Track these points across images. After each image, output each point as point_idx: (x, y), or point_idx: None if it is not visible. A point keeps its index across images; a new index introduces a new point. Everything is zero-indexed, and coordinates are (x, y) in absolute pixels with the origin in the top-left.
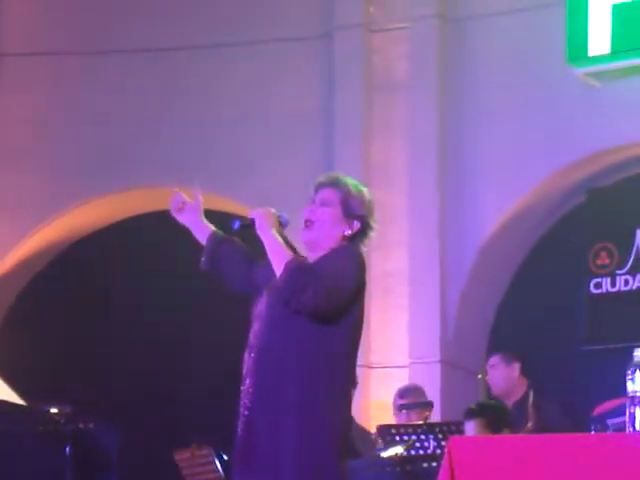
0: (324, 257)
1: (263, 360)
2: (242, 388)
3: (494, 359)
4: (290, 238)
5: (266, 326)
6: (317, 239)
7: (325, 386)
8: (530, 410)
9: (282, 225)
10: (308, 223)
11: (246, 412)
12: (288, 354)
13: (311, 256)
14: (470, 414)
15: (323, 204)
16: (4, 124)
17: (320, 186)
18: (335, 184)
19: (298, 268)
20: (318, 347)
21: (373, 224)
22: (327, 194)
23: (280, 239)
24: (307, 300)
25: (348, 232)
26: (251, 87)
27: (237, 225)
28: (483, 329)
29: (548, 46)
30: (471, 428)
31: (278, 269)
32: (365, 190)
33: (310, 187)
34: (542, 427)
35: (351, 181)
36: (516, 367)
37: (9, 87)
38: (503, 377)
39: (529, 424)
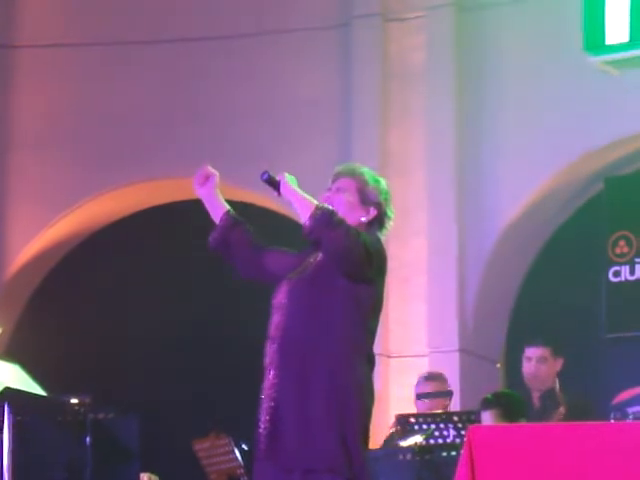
0: None
1: (287, 350)
2: (265, 380)
3: (544, 351)
4: None
5: (287, 316)
6: None
7: (351, 370)
8: (559, 395)
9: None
10: None
11: (272, 403)
12: (312, 342)
13: None
14: (486, 404)
15: (339, 191)
16: (20, 116)
17: (337, 175)
18: (352, 173)
19: (330, 209)
20: (343, 332)
21: (390, 213)
22: (344, 182)
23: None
24: (339, 236)
25: (364, 218)
26: (269, 76)
27: (265, 177)
28: (502, 318)
29: (565, 34)
30: (487, 418)
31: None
32: (382, 180)
33: (328, 175)
34: (575, 408)
35: (368, 171)
36: (560, 362)
37: (25, 79)
38: (551, 372)
39: (561, 408)
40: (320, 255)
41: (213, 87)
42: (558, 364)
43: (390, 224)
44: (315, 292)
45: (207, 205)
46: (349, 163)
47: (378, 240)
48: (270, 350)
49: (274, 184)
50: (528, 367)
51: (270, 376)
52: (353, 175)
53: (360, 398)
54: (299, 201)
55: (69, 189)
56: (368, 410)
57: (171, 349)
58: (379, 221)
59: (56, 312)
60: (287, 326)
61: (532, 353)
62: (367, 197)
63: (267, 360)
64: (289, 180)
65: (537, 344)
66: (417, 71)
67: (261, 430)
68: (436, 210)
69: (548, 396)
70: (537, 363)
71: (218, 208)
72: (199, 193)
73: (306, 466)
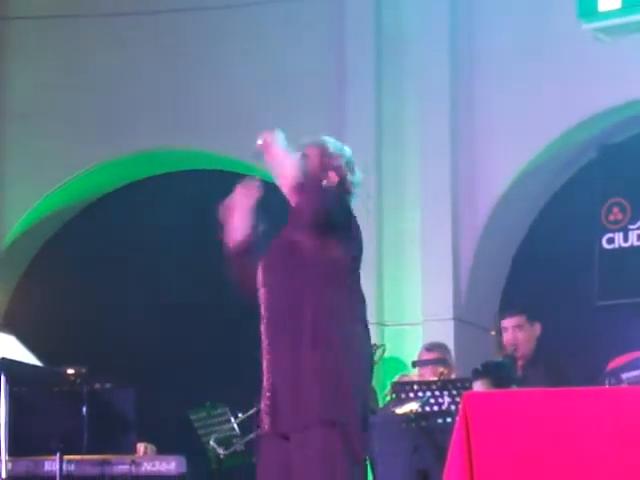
0: None
1: (274, 327)
2: (263, 359)
3: (519, 319)
4: None
5: (268, 294)
6: (292, 188)
7: (337, 332)
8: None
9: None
10: None
11: (270, 380)
12: (294, 315)
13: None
14: (476, 375)
15: (302, 157)
16: (12, 87)
17: (303, 145)
18: (315, 141)
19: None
20: (321, 297)
21: (355, 179)
22: (307, 150)
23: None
24: (315, 187)
25: (325, 183)
26: (260, 46)
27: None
28: (496, 286)
29: (558, 2)
30: (479, 388)
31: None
32: (347, 149)
33: None
34: (550, 374)
35: (332, 140)
36: (538, 327)
37: (16, 51)
38: (529, 338)
39: (541, 376)
40: (285, 228)
41: (206, 59)
42: (536, 329)
43: (354, 190)
44: (286, 269)
45: (235, 216)
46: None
47: (338, 195)
48: (263, 329)
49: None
50: (506, 337)
51: (266, 354)
52: (316, 143)
53: (350, 357)
54: (283, 166)
55: (63, 161)
56: (362, 367)
57: (169, 322)
58: (341, 186)
59: (51, 284)
60: (270, 303)
61: (508, 323)
62: (327, 162)
63: (262, 339)
64: (270, 137)
65: (511, 314)
66: (411, 40)
67: (263, 407)
68: (430, 180)
69: (530, 364)
70: (514, 332)
71: (243, 225)
72: (236, 201)
73: (300, 424)
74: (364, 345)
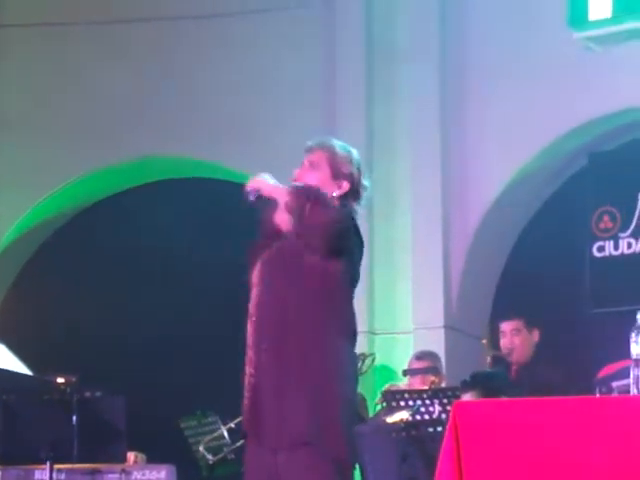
0: None
1: (263, 330)
2: (246, 356)
3: (516, 323)
4: None
5: (261, 295)
6: None
7: (326, 349)
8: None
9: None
10: (294, 182)
11: (252, 379)
12: (286, 324)
13: None
14: (465, 387)
15: (311, 166)
16: (1, 96)
17: (308, 149)
18: (322, 145)
19: (307, 188)
20: (315, 313)
21: (364, 182)
22: (315, 156)
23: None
24: (317, 212)
25: (337, 193)
26: (253, 55)
27: (253, 197)
28: (487, 294)
29: (549, 10)
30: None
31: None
32: (353, 150)
33: None
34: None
35: (338, 142)
36: (536, 334)
37: (10, 58)
38: (526, 343)
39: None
40: (287, 236)
41: (197, 67)
42: (534, 336)
43: (365, 193)
44: (284, 274)
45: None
46: (322, 136)
47: (350, 215)
48: (250, 327)
49: (259, 196)
50: (503, 341)
51: (250, 353)
52: (323, 147)
53: (338, 376)
54: (277, 190)
55: (54, 169)
56: (349, 386)
57: (160, 326)
58: (353, 193)
59: (42, 292)
60: (262, 305)
61: (506, 327)
62: (339, 170)
63: (248, 337)
64: (261, 179)
65: (510, 318)
66: (402, 48)
67: (244, 406)
68: (421, 188)
69: (524, 370)
70: (511, 335)
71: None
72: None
73: (286, 444)
74: (352, 364)
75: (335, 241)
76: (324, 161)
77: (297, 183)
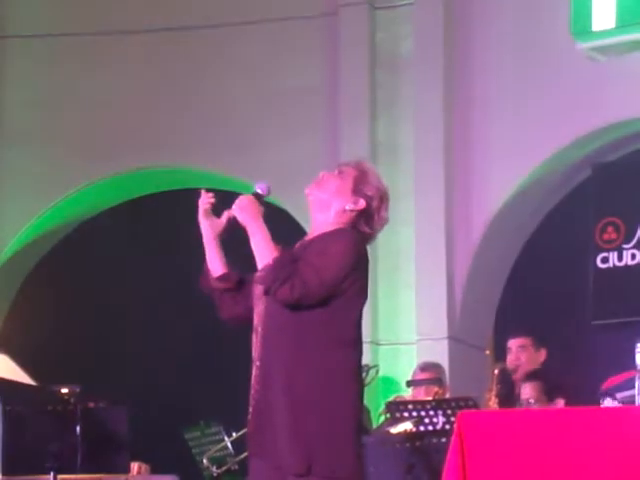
0: (316, 242)
1: (269, 346)
2: (253, 370)
3: (524, 340)
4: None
5: (267, 305)
6: (317, 199)
7: (326, 367)
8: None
9: (264, 196)
10: (317, 179)
11: (256, 396)
12: (285, 337)
13: (312, 217)
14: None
15: (339, 174)
16: (3, 108)
17: (345, 163)
18: (357, 164)
19: (280, 261)
20: (319, 356)
21: (383, 213)
22: (346, 168)
23: (265, 229)
24: (284, 293)
25: (350, 207)
26: (256, 65)
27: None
28: (490, 305)
29: (553, 20)
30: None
31: (261, 263)
32: (384, 183)
33: (315, 165)
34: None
35: (375, 172)
36: (543, 353)
37: (13, 69)
38: (532, 360)
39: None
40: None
41: (200, 78)
42: (541, 355)
43: (380, 224)
44: (286, 314)
45: (208, 237)
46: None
47: (357, 240)
48: (255, 342)
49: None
50: (509, 357)
51: (255, 368)
52: (357, 165)
53: (345, 395)
54: (258, 242)
55: (56, 180)
56: (356, 404)
57: (163, 336)
58: (367, 216)
59: (45, 303)
60: (265, 322)
61: (512, 343)
62: (361, 188)
63: (253, 351)
64: (246, 207)
65: (517, 335)
66: (406, 59)
67: (249, 420)
68: (425, 198)
69: (527, 379)
70: (517, 352)
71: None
72: (202, 221)
73: (294, 471)
74: (359, 403)
75: (306, 305)
76: (351, 175)
77: (277, 257)
